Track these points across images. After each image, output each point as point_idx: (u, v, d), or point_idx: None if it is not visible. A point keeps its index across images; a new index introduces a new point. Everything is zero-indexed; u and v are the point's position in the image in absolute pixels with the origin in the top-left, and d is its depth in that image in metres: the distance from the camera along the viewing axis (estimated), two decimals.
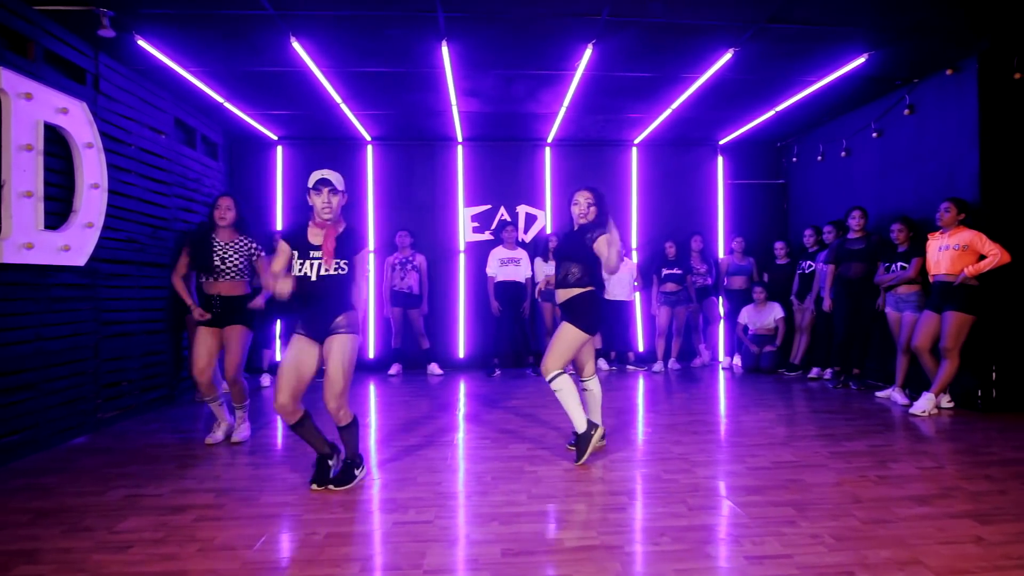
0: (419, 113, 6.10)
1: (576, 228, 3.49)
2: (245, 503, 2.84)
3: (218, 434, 3.92)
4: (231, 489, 3.03)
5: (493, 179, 7.23)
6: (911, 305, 4.91)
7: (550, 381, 3.40)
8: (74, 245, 3.97)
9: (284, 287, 2.84)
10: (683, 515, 2.66)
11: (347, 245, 2.98)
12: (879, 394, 5.20)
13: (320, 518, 2.66)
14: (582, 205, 3.44)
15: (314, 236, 2.97)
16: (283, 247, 2.97)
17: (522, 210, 7.22)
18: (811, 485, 3.02)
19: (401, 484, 3.09)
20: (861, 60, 4.71)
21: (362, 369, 7.00)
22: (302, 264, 2.95)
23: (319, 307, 2.95)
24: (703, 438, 3.96)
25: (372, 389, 5.92)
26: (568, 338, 3.40)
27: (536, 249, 6.95)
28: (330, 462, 3.09)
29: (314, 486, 3.01)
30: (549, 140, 7.17)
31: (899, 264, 5.00)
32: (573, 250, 3.43)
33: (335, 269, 2.93)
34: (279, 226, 6.96)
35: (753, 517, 2.61)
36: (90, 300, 4.24)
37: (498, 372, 6.66)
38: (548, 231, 7.15)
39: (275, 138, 6.93)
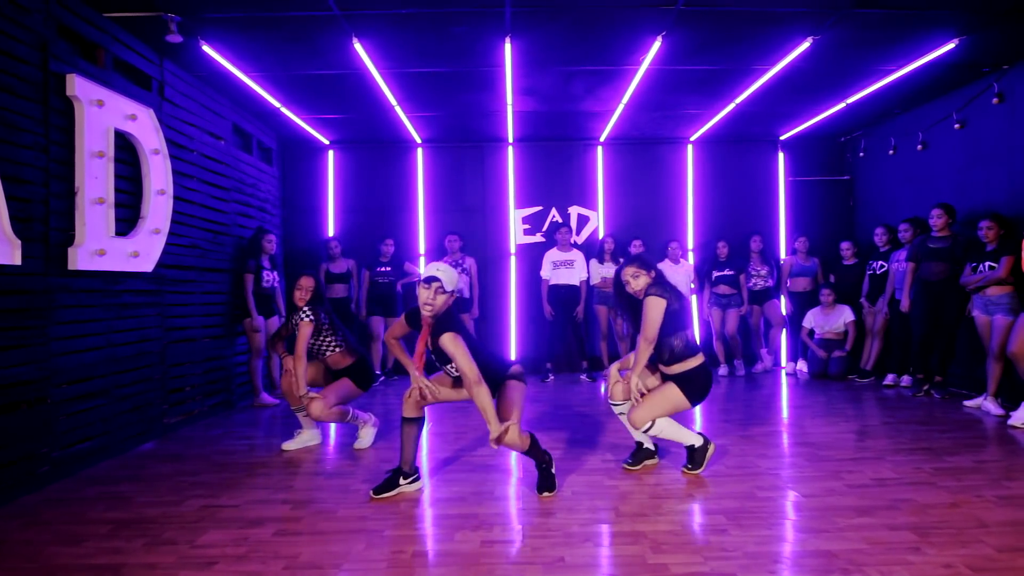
0: (472, 114, 6.00)
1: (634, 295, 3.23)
2: (323, 517, 2.74)
3: (295, 442, 3.90)
4: (307, 501, 2.95)
5: (544, 180, 7.08)
6: (1003, 308, 4.57)
7: (646, 431, 3.20)
8: (143, 251, 3.97)
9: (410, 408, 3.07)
10: (791, 539, 2.45)
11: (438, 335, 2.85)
12: (967, 403, 4.86)
13: (403, 535, 2.55)
14: (637, 283, 3.19)
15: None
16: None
17: (574, 211, 7.05)
18: (924, 506, 2.77)
19: (476, 498, 2.96)
20: (950, 46, 4.40)
21: None
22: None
23: None
24: (788, 451, 3.73)
25: None
26: (672, 400, 3.18)
27: (590, 251, 6.77)
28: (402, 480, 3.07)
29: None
30: (601, 139, 6.98)
31: (987, 264, 4.66)
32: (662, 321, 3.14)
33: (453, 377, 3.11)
34: (331, 232, 6.94)
35: (870, 543, 2.39)
36: (156, 306, 4.25)
37: (551, 377, 6.50)
38: (600, 233, 6.95)
39: (327, 142, 6.91)
